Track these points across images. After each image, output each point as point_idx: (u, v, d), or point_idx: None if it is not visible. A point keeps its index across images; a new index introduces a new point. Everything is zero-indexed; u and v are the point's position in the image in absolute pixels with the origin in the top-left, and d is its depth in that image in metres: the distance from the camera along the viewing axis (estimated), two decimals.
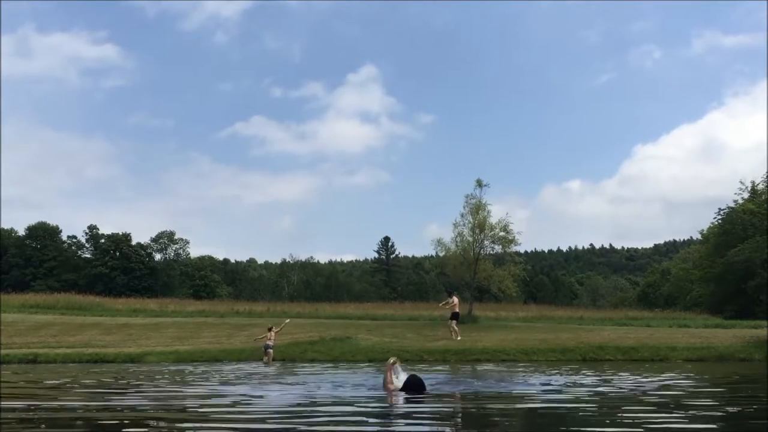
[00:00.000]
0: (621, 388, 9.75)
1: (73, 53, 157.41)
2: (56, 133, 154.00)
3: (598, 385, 10.36)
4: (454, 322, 23.21)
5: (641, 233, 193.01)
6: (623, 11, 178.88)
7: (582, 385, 10.30)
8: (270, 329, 20.72)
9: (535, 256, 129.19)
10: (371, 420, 6.17)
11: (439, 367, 16.12)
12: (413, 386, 8.60)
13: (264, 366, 18.03)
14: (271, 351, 20.12)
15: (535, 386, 10.18)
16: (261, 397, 8.75)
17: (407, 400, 7.92)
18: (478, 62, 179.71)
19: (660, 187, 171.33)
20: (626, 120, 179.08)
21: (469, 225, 30.39)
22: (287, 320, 24.17)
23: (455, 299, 23.69)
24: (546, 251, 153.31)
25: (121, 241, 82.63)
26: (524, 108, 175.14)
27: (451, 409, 7.31)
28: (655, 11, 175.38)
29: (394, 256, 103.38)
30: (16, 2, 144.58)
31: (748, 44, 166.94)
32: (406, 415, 6.66)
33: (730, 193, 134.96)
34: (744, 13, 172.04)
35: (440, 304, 25.17)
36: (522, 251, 41.95)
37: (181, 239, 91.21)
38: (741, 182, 46.28)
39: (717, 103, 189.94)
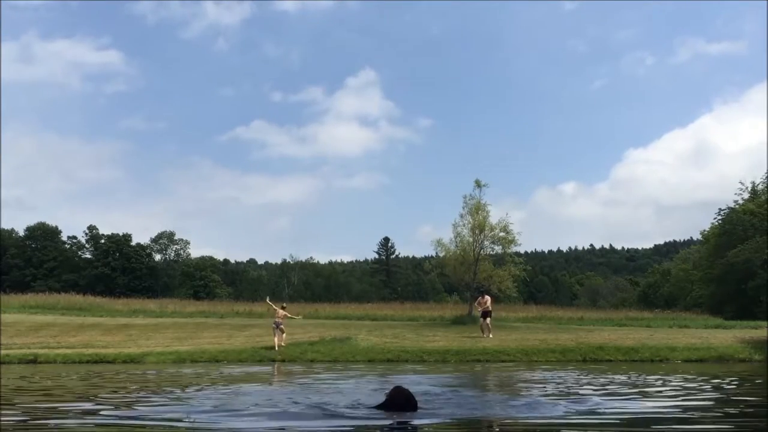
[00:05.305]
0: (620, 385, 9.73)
1: (76, 59, 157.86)
2: (58, 137, 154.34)
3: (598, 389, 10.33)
4: (488, 319, 23.71)
5: (633, 235, 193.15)
6: (617, 18, 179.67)
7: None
8: (284, 307, 21.89)
9: (535, 257, 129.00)
10: None
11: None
12: (399, 404, 6.21)
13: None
14: (282, 326, 21.43)
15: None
16: None
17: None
18: (475, 67, 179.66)
19: (651, 191, 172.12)
20: (618, 125, 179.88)
21: (469, 225, 30.33)
22: (300, 317, 25.92)
23: (488, 298, 24.44)
24: (546, 252, 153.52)
25: (121, 241, 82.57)
26: (520, 112, 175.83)
27: None
28: (648, 19, 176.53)
29: (393, 256, 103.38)
30: (19, 9, 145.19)
31: (739, 52, 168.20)
32: None
33: (719, 196, 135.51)
34: (734, 21, 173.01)
35: (475, 304, 25.76)
36: (522, 252, 41.89)
37: (181, 240, 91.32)
38: (741, 183, 46.28)
39: (706, 109, 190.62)
